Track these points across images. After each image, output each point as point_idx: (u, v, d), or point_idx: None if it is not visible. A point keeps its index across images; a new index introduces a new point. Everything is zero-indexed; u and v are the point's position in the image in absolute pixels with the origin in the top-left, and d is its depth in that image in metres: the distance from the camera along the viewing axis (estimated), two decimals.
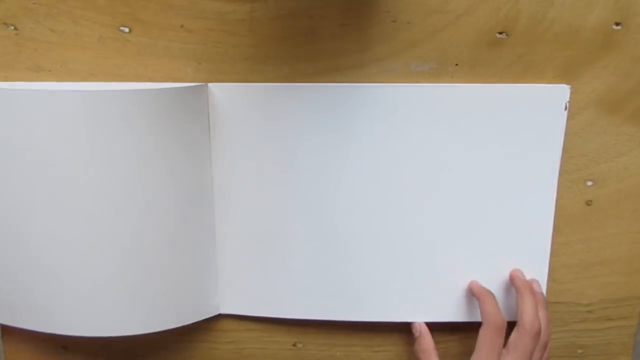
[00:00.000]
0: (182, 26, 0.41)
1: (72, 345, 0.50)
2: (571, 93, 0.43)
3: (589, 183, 0.46)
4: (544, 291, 0.47)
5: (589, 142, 0.45)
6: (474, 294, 0.45)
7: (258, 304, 0.48)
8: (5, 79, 0.43)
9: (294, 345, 0.50)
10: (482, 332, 0.43)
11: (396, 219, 0.45)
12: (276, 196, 0.45)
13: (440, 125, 0.43)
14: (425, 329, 0.47)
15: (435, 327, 0.49)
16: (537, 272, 0.47)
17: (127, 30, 0.41)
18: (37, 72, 0.42)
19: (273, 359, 0.50)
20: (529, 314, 0.42)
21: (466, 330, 0.49)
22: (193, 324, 0.47)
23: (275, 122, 0.43)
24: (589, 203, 0.46)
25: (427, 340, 0.46)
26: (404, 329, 0.49)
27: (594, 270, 0.48)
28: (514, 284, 0.45)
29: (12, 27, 0.41)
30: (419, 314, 0.47)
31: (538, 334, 0.42)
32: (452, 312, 0.47)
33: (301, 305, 0.47)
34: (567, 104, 0.43)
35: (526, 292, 0.44)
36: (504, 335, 0.42)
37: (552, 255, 0.47)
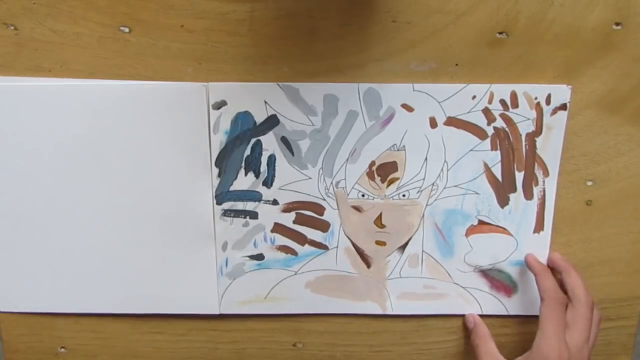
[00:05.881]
0: (182, 26, 0.41)
1: (72, 345, 0.50)
2: (571, 93, 0.43)
3: (589, 183, 0.46)
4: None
5: (589, 142, 0.45)
6: (531, 270, 0.45)
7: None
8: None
9: (294, 345, 0.50)
10: (545, 309, 0.42)
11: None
12: None
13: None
14: (478, 319, 0.47)
15: (435, 327, 0.49)
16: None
17: (127, 30, 0.41)
18: (37, 72, 0.42)
19: (273, 359, 0.50)
20: (582, 287, 0.42)
21: (466, 330, 0.49)
22: (193, 323, 0.47)
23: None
24: (589, 203, 0.46)
25: (482, 328, 0.47)
26: (404, 329, 0.49)
27: (594, 270, 0.48)
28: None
29: (12, 27, 0.41)
30: None
31: (592, 305, 0.43)
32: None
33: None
34: (568, 104, 0.43)
35: (570, 268, 0.44)
36: (565, 309, 0.42)
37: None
